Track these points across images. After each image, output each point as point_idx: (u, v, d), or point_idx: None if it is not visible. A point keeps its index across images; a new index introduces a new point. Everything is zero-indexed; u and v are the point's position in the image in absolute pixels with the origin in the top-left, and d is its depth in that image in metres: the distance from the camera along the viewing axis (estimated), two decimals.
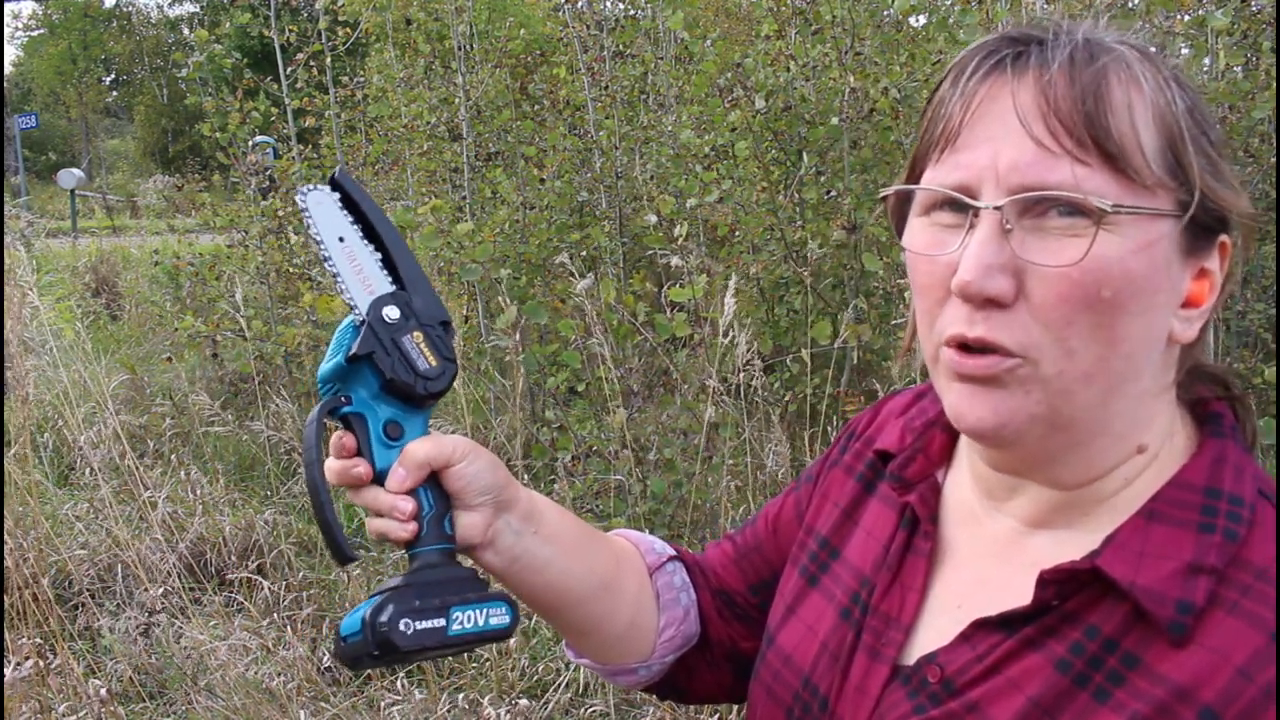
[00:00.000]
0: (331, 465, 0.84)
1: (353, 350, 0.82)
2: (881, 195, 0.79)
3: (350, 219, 0.86)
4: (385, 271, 0.86)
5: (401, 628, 0.78)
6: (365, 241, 0.86)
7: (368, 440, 0.83)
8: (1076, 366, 0.69)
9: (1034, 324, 0.69)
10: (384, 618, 0.78)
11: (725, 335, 3.11)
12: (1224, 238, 0.73)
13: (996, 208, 0.69)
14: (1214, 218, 0.72)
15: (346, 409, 0.84)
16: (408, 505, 0.82)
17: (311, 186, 0.86)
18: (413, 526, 0.82)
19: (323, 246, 0.85)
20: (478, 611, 0.81)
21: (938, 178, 0.73)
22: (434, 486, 0.84)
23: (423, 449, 0.83)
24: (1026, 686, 0.71)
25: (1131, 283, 0.68)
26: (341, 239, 0.85)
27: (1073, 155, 0.68)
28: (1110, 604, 0.70)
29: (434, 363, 0.84)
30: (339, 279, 0.84)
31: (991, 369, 0.70)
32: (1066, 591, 0.72)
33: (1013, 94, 0.70)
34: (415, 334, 0.84)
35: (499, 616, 0.83)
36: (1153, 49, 0.72)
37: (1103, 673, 0.69)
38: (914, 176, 0.77)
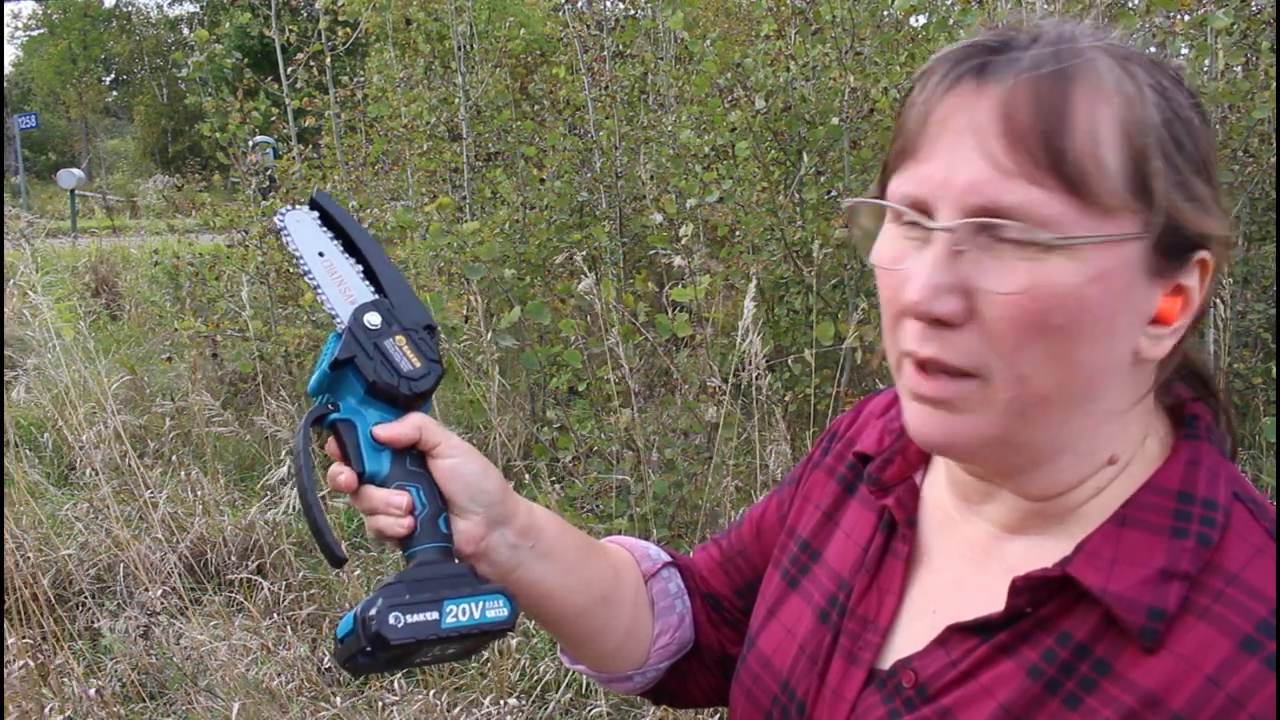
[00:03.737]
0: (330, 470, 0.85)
1: (335, 356, 0.83)
2: (846, 205, 0.78)
3: (330, 234, 0.89)
4: (366, 282, 0.87)
5: (392, 620, 0.76)
6: (346, 255, 0.88)
7: (356, 445, 0.83)
8: (1031, 391, 0.67)
9: (984, 346, 0.67)
10: (374, 612, 0.77)
11: (743, 337, 3.10)
12: (1204, 254, 0.69)
13: (949, 229, 0.66)
14: (1185, 238, 0.68)
15: (335, 416, 0.84)
16: (401, 499, 0.81)
17: (289, 207, 0.89)
18: (408, 521, 0.81)
19: (302, 262, 0.87)
20: (473, 604, 0.79)
21: (900, 188, 0.70)
22: (428, 486, 0.83)
23: (420, 418, 0.84)
24: (999, 693, 0.70)
25: (1086, 310, 0.65)
26: (321, 254, 0.87)
27: (1028, 176, 0.64)
28: (1083, 610, 0.69)
29: (418, 364, 0.84)
30: (320, 291, 0.86)
31: (941, 392, 0.69)
32: (1039, 598, 0.71)
33: (972, 108, 0.67)
34: (398, 338, 0.85)
35: (496, 609, 0.80)
36: (1150, 50, 0.70)
37: (1074, 679, 0.68)
38: (885, 183, 0.74)
